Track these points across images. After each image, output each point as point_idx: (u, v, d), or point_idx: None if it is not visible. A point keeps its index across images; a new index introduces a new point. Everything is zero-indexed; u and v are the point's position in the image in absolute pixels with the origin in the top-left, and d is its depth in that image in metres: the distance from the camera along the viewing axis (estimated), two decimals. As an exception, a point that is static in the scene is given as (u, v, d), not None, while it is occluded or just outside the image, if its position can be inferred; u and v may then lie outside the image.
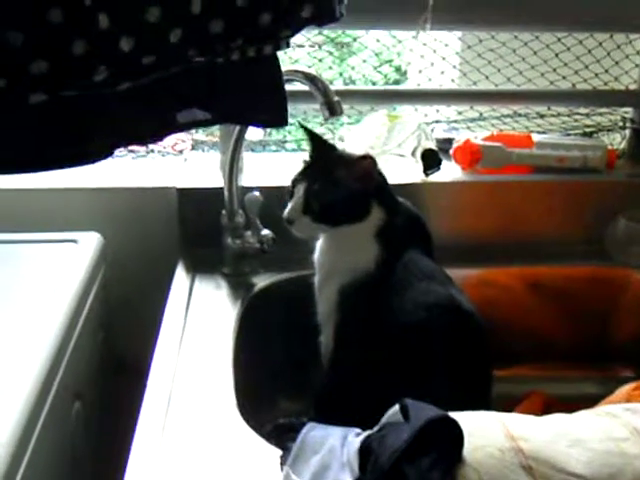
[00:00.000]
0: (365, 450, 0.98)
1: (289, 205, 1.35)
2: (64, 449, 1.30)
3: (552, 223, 1.70)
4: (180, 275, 1.57)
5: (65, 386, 1.28)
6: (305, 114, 1.79)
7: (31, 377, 1.19)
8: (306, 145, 1.43)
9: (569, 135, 1.78)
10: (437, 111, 1.89)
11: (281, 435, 1.11)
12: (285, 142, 1.92)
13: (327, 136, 1.83)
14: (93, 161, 1.05)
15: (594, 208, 1.69)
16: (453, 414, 0.99)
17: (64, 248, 1.54)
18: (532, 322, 1.64)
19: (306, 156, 1.42)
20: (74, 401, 1.36)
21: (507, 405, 1.10)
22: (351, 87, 2.17)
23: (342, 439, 1.03)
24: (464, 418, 0.99)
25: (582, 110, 1.80)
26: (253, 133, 1.86)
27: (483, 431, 1.00)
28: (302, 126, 1.42)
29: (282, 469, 1.02)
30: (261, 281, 1.57)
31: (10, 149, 0.99)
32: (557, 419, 1.07)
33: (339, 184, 1.32)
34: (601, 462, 0.97)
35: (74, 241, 1.57)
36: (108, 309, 1.60)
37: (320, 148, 1.39)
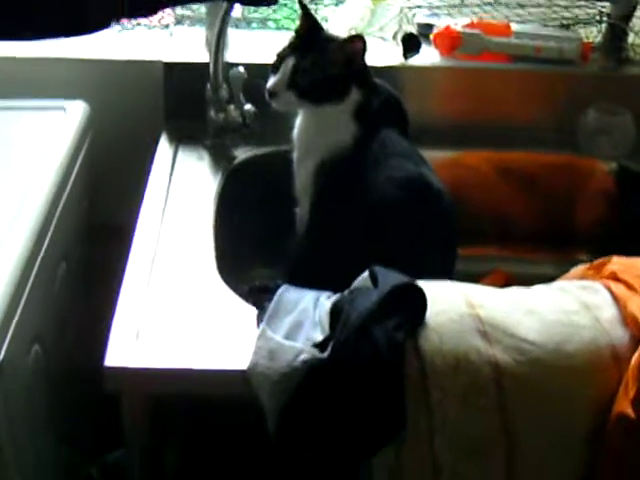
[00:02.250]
0: (336, 311, 1.05)
1: (274, 78, 1.37)
2: (52, 305, 1.37)
3: (525, 111, 1.73)
4: (164, 145, 1.61)
5: (53, 247, 1.34)
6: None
7: (22, 238, 1.25)
8: (290, 24, 1.45)
9: (547, 26, 1.81)
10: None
11: (258, 296, 1.18)
12: (268, 20, 1.94)
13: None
14: (90, 32, 1.09)
15: (567, 99, 1.72)
16: (419, 282, 1.07)
17: (52, 115, 1.58)
18: (499, 204, 1.70)
19: (291, 34, 1.42)
20: (61, 262, 1.42)
21: (470, 281, 1.16)
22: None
23: (314, 300, 1.10)
24: (428, 286, 1.07)
25: (561, 2, 1.82)
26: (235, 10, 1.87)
27: (445, 298, 1.08)
28: (300, 2, 1.42)
29: (258, 326, 1.10)
30: (242, 154, 1.61)
31: (12, 17, 1.03)
32: (514, 291, 1.15)
33: (327, 63, 1.34)
34: (551, 330, 1.05)
35: (62, 109, 1.60)
36: (94, 176, 1.64)
37: (310, 26, 1.40)
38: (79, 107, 1.62)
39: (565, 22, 1.81)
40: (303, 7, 1.41)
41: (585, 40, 1.77)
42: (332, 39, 1.39)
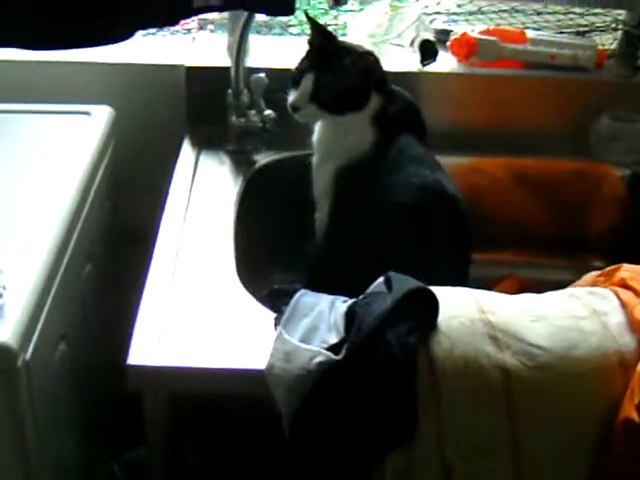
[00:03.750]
0: (351, 315, 1.07)
1: (295, 93, 1.40)
2: (77, 304, 1.41)
3: (540, 117, 1.75)
4: (186, 150, 1.64)
5: (78, 249, 1.38)
6: (310, 2, 1.83)
7: (48, 239, 1.28)
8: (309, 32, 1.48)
9: (562, 33, 1.83)
10: (438, 3, 1.94)
11: (275, 299, 1.21)
12: (290, 26, 1.97)
13: (331, 23, 1.89)
14: (114, 42, 1.13)
15: (581, 105, 1.74)
16: (432, 287, 1.10)
17: (78, 120, 1.61)
18: (514, 210, 1.72)
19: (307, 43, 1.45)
20: (86, 263, 1.46)
21: (483, 287, 1.18)
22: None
23: (330, 304, 1.13)
24: (441, 291, 1.09)
25: (577, 10, 1.84)
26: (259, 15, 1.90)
27: (457, 303, 1.10)
28: (306, 14, 1.45)
29: (275, 329, 1.13)
30: (262, 158, 1.64)
31: (42, 27, 1.07)
32: (525, 297, 1.17)
33: (346, 75, 1.37)
34: (560, 336, 1.06)
35: (87, 113, 1.63)
36: (118, 180, 1.68)
37: (322, 37, 1.43)
38: (104, 111, 1.65)
39: (580, 29, 1.84)
40: (309, 19, 1.44)
41: (600, 47, 1.79)
42: (347, 50, 1.41)
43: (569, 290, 1.21)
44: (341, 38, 1.49)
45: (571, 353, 1.05)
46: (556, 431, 1.03)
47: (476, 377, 1.03)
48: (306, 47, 1.44)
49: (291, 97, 1.41)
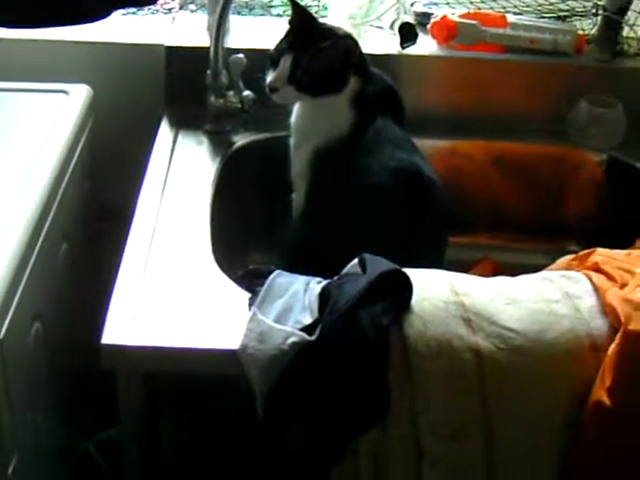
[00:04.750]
0: (325, 296, 1.08)
1: (273, 74, 1.40)
2: (53, 284, 1.40)
3: (519, 102, 1.76)
4: (164, 129, 1.64)
5: (54, 228, 1.37)
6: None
7: (24, 218, 1.27)
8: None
9: (543, 18, 1.83)
10: (419, -14, 1.93)
11: (250, 280, 1.22)
12: (271, 6, 1.96)
13: (312, 3, 1.88)
14: (93, 20, 1.13)
15: (560, 90, 1.75)
16: (406, 269, 1.10)
17: (55, 98, 1.60)
18: (491, 193, 1.73)
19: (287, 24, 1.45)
20: (62, 242, 1.45)
21: (459, 269, 1.19)
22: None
23: (305, 285, 1.13)
24: (415, 273, 1.10)
25: (558, -6, 1.85)
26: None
27: (431, 285, 1.11)
28: None
29: (250, 309, 1.13)
30: (240, 139, 1.64)
31: (21, 5, 1.06)
32: (499, 280, 1.18)
33: (324, 58, 1.37)
34: (532, 319, 1.08)
35: (65, 92, 1.62)
36: (95, 159, 1.67)
37: (302, 18, 1.43)
38: (82, 90, 1.64)
39: (561, 14, 1.84)
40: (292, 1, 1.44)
41: (580, 32, 1.80)
42: (325, 34, 1.40)
43: (543, 273, 1.22)
44: (322, 20, 1.49)
45: (543, 336, 1.06)
46: (527, 414, 1.05)
47: (449, 359, 1.04)
48: (286, 28, 1.44)
49: (269, 78, 1.41)
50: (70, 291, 1.51)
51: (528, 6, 1.86)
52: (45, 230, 1.33)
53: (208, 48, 1.61)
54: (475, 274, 1.21)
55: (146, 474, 1.28)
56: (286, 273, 1.18)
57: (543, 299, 1.12)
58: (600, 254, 1.22)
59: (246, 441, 1.23)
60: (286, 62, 1.39)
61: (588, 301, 1.12)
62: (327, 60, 1.38)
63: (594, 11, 1.82)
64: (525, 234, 1.75)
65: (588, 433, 1.04)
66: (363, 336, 1.03)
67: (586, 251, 1.25)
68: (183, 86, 1.68)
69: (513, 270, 1.24)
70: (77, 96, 1.63)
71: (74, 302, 1.54)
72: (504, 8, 1.85)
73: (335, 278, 1.12)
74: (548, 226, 1.74)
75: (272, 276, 1.17)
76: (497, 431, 1.04)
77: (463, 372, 1.04)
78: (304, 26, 1.43)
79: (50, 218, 1.36)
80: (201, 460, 1.35)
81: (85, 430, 1.67)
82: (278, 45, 1.43)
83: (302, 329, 1.05)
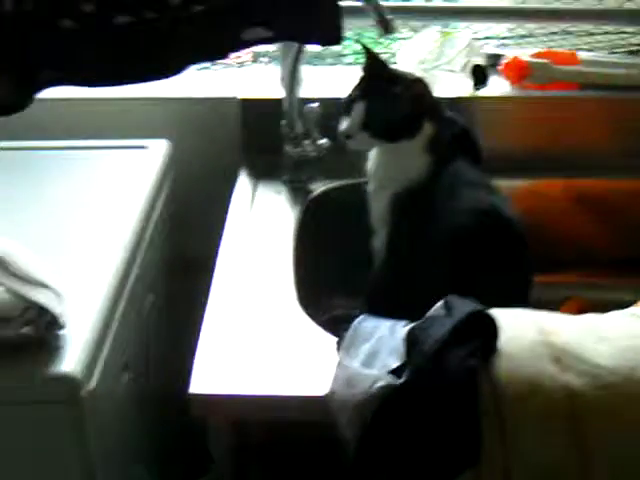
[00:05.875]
0: (411, 338, 1.07)
1: (347, 121, 1.41)
2: (140, 335, 1.43)
3: (596, 138, 1.74)
4: (243, 181, 1.66)
5: (140, 280, 1.40)
6: (359, 31, 1.85)
7: (111, 271, 1.30)
8: (362, 60, 1.49)
9: (615, 53, 1.82)
10: (488, 28, 1.94)
11: (336, 325, 1.22)
12: (342, 55, 1.99)
13: (382, 50, 1.90)
14: (168, 76, 1.16)
15: (637, 124, 1.73)
16: (491, 310, 1.09)
17: (135, 154, 1.63)
18: (575, 232, 1.71)
19: (360, 71, 1.46)
20: (147, 293, 1.48)
21: (546, 309, 1.17)
22: (404, 3, 2.22)
23: (391, 329, 1.13)
24: (501, 314, 1.09)
25: (629, 29, 1.83)
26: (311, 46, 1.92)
27: (518, 326, 1.10)
28: (360, 43, 1.47)
29: (337, 354, 1.14)
30: (318, 187, 1.66)
31: (98, 64, 1.10)
32: (587, 318, 1.16)
33: (397, 103, 1.38)
34: (623, 356, 1.06)
35: (144, 147, 1.65)
36: (176, 212, 1.70)
37: (374, 65, 1.44)
38: (161, 145, 1.68)
39: (633, 49, 1.83)
40: (363, 46, 1.45)
41: (653, 65, 1.78)
42: (398, 78, 1.41)
43: (632, 309, 1.20)
44: (392, 66, 1.50)
45: (635, 373, 1.04)
46: (624, 453, 1.02)
47: (540, 399, 1.02)
48: (358, 75, 1.45)
49: (343, 125, 1.42)
50: (157, 341, 1.53)
51: (599, 42, 1.85)
52: (130, 282, 1.36)
53: (282, 99, 1.63)
54: (563, 313, 1.19)
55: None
56: (372, 317, 1.18)
57: (633, 336, 1.10)
58: (690, 288, 1.19)
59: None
60: (359, 109, 1.40)
61: (678, 336, 1.09)
62: (399, 105, 1.39)
63: (665, 44, 1.81)
64: (612, 271, 1.71)
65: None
66: (451, 378, 1.02)
67: (676, 286, 1.23)
68: (259, 137, 1.71)
69: (601, 307, 1.22)
70: (156, 150, 1.66)
71: (162, 352, 1.56)
72: (575, 45, 1.85)
73: (421, 321, 1.12)
74: (634, 262, 1.71)
75: (358, 320, 1.17)
76: (591, 471, 1.02)
77: (556, 412, 1.02)
78: (376, 73, 1.44)
79: (134, 270, 1.39)
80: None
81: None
82: (351, 92, 1.43)
83: (390, 373, 1.05)
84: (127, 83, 1.27)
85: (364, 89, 1.43)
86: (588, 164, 1.71)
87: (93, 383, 1.14)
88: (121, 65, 1.16)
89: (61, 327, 1.14)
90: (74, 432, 1.14)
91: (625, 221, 1.71)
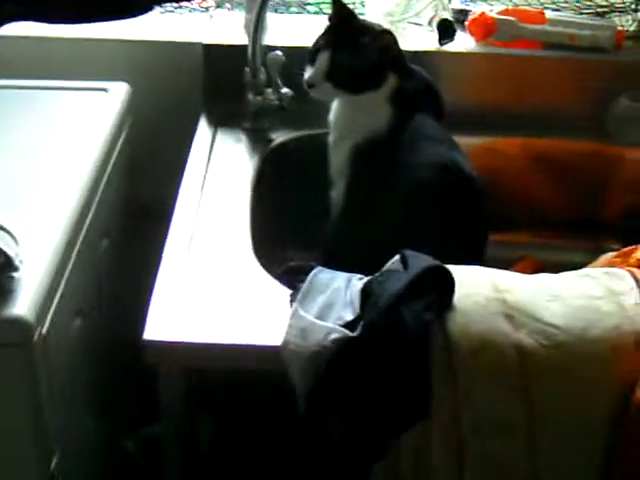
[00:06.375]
0: (367, 292, 1.08)
1: (311, 70, 1.40)
2: (94, 281, 1.42)
3: (558, 99, 1.74)
4: (203, 127, 1.64)
5: (94, 225, 1.38)
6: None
7: (65, 215, 1.29)
8: (329, 7, 1.47)
9: (581, 14, 1.82)
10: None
11: (291, 276, 1.22)
12: (307, 4, 1.96)
13: (349, 1, 1.88)
14: (133, 16, 1.13)
15: (599, 86, 1.73)
16: (447, 266, 1.10)
17: (95, 96, 1.61)
18: (531, 191, 1.71)
19: (327, 20, 1.45)
20: (102, 239, 1.47)
21: (500, 267, 1.18)
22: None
23: (346, 282, 1.13)
24: (457, 270, 1.09)
25: (597, -10, 1.84)
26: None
27: (473, 282, 1.10)
28: None
29: (291, 305, 1.13)
30: (279, 137, 1.64)
31: (62, 1, 1.07)
32: (541, 277, 1.17)
33: (362, 54, 1.37)
34: (575, 316, 1.07)
35: (104, 90, 1.63)
36: (134, 157, 1.68)
37: (342, 15, 1.43)
38: (121, 88, 1.65)
39: (600, 10, 1.83)
40: None
41: (619, 28, 1.78)
42: (363, 31, 1.40)
43: (585, 270, 1.21)
44: (360, 17, 1.49)
45: (587, 333, 1.05)
46: (571, 410, 1.04)
47: (491, 355, 1.03)
48: (324, 24, 1.44)
49: (306, 74, 1.41)
50: (111, 287, 1.52)
51: (566, 2, 1.84)
52: (85, 227, 1.34)
53: (246, 46, 1.61)
54: (516, 272, 1.20)
55: (186, 470, 1.28)
56: (327, 269, 1.18)
57: (586, 296, 1.11)
58: (644, 251, 1.20)
59: (286, 438, 1.23)
60: (324, 58, 1.40)
61: (632, 298, 1.10)
62: (365, 56, 1.38)
63: (633, 7, 1.81)
64: (566, 232, 1.73)
65: (632, 430, 1.03)
66: (405, 332, 1.02)
67: (629, 248, 1.23)
68: (221, 84, 1.69)
69: (554, 268, 1.23)
70: (116, 94, 1.64)
71: (115, 298, 1.55)
72: (542, 4, 1.84)
73: (377, 274, 1.12)
74: (589, 223, 1.72)
75: (313, 272, 1.17)
76: (540, 427, 1.04)
77: (506, 368, 1.03)
78: (343, 22, 1.43)
79: (90, 215, 1.37)
80: (240, 456, 1.36)
81: (125, 427, 1.68)
82: (317, 41, 1.43)
83: (344, 325, 1.05)
84: (91, 21, 1.24)
85: (330, 38, 1.42)
86: (548, 124, 1.71)
87: (45, 327, 1.13)
88: (86, 2, 1.13)
89: (15, 269, 1.12)
90: (25, 375, 1.14)
91: (581, 182, 1.72)
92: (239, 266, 1.28)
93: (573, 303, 1.09)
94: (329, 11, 1.47)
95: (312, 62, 1.41)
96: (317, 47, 1.41)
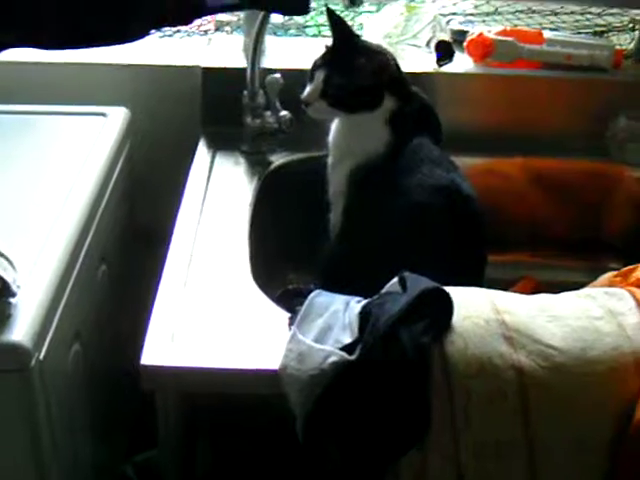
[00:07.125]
0: (365, 315, 1.07)
1: (308, 88, 1.41)
2: (92, 305, 1.41)
3: (557, 118, 1.75)
4: (202, 151, 1.64)
5: (93, 249, 1.38)
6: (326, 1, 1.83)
7: (63, 240, 1.29)
8: (328, 30, 1.47)
9: (580, 34, 1.82)
10: (454, 4, 1.93)
11: (290, 299, 1.21)
12: (306, 27, 1.97)
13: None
14: (130, 40, 1.14)
15: (598, 105, 1.73)
16: (446, 288, 1.09)
17: (94, 121, 1.61)
18: (530, 211, 1.71)
19: (327, 42, 1.44)
20: (101, 264, 1.47)
21: (499, 288, 1.17)
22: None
23: (345, 305, 1.12)
24: (455, 291, 1.09)
25: (594, 10, 1.84)
26: (275, 16, 1.91)
27: (471, 303, 1.10)
28: (328, 10, 1.43)
29: (289, 329, 1.13)
30: (278, 159, 1.64)
31: (58, 26, 1.07)
32: (540, 298, 1.16)
33: (356, 74, 1.37)
34: (575, 337, 1.06)
35: (103, 114, 1.64)
36: (134, 181, 1.68)
37: (342, 34, 1.43)
38: (120, 112, 1.66)
39: (598, 29, 1.83)
40: (332, 15, 1.43)
41: (617, 47, 1.78)
42: (360, 51, 1.41)
43: (585, 290, 1.20)
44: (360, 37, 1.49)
45: (586, 353, 1.05)
46: (571, 432, 1.03)
47: (490, 377, 1.03)
48: (325, 45, 1.44)
49: (304, 92, 1.41)
50: (109, 312, 1.52)
51: (564, 22, 1.85)
52: (84, 251, 1.35)
53: (244, 69, 1.62)
54: (516, 292, 1.19)
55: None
56: (325, 292, 1.18)
57: (586, 316, 1.10)
58: (643, 270, 1.20)
59: (284, 462, 1.23)
60: (319, 77, 1.40)
61: (632, 318, 1.10)
62: (359, 76, 1.38)
63: (631, 26, 1.81)
64: (565, 252, 1.72)
65: (632, 451, 1.02)
66: (403, 355, 1.02)
67: (629, 267, 1.23)
68: (220, 107, 1.69)
69: (554, 288, 1.22)
70: (115, 118, 1.64)
71: (113, 323, 1.55)
72: (540, 24, 1.85)
73: (375, 297, 1.11)
74: (588, 243, 1.72)
75: (312, 295, 1.16)
76: (539, 450, 1.03)
77: (505, 390, 1.02)
78: (343, 42, 1.43)
79: (88, 240, 1.37)
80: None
81: (123, 452, 1.67)
82: (317, 60, 1.43)
83: (342, 348, 1.04)
84: (86, 47, 1.24)
85: (328, 58, 1.42)
86: (547, 144, 1.71)
87: (43, 353, 1.13)
88: (81, 28, 1.13)
89: (12, 295, 1.12)
90: (23, 401, 1.13)
91: (581, 202, 1.72)
92: (237, 290, 1.27)
93: (572, 324, 1.08)
94: (328, 34, 1.47)
95: (310, 80, 1.42)
96: (315, 66, 1.42)
